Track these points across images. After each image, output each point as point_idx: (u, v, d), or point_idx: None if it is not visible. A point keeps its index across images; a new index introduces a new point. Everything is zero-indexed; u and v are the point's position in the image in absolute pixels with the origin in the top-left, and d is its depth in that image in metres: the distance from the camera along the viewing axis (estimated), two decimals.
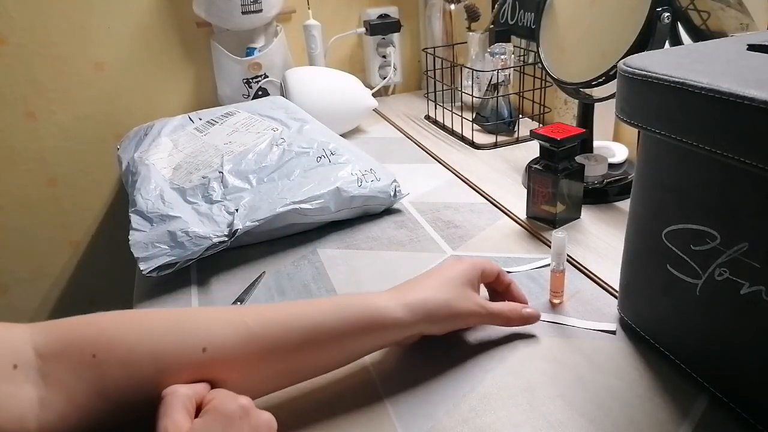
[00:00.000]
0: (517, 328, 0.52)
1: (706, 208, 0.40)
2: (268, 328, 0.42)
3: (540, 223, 0.71)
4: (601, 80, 0.69)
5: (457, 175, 0.89)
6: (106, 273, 1.30)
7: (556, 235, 0.54)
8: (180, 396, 0.36)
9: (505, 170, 0.89)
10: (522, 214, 0.74)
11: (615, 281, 0.54)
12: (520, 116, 1.04)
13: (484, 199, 0.80)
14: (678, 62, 0.41)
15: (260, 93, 1.17)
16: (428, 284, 0.49)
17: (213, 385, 0.40)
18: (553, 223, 0.70)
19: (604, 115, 0.84)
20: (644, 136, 0.45)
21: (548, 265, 0.57)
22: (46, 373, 0.37)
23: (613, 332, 0.52)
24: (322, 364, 0.45)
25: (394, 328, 0.46)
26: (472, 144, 1.00)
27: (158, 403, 0.36)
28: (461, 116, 1.02)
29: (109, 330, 0.39)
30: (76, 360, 0.38)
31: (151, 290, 0.64)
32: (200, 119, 0.90)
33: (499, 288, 0.54)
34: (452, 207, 0.79)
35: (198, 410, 0.37)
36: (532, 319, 0.52)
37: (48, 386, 0.37)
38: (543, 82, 0.97)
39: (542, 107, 1.00)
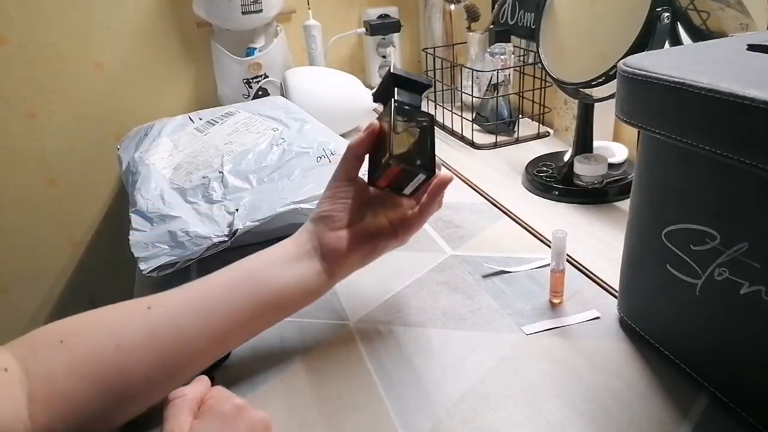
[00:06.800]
0: (516, 330, 0.52)
1: (706, 208, 0.40)
2: (169, 314, 0.45)
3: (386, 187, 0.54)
4: (601, 80, 0.69)
5: (457, 175, 0.89)
6: (106, 273, 1.30)
7: (556, 234, 0.54)
8: (188, 400, 0.37)
9: (505, 170, 0.89)
10: (522, 215, 0.74)
11: (615, 281, 0.54)
12: (520, 116, 1.04)
13: (484, 199, 0.80)
14: (678, 62, 0.41)
15: (260, 93, 1.17)
16: None
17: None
18: (389, 166, 0.50)
19: (604, 115, 0.84)
20: (644, 136, 0.45)
21: (548, 265, 0.57)
22: (26, 367, 0.40)
23: (598, 317, 0.54)
24: (244, 329, 0.48)
25: (285, 260, 0.50)
26: (472, 144, 1.00)
27: (165, 404, 0.37)
28: (461, 116, 1.02)
29: (69, 324, 0.44)
30: (46, 346, 0.41)
31: (151, 290, 0.64)
32: (200, 119, 0.90)
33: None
34: (452, 207, 0.79)
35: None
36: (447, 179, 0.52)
37: (30, 377, 0.39)
38: (543, 82, 0.97)
39: (542, 107, 1.00)
